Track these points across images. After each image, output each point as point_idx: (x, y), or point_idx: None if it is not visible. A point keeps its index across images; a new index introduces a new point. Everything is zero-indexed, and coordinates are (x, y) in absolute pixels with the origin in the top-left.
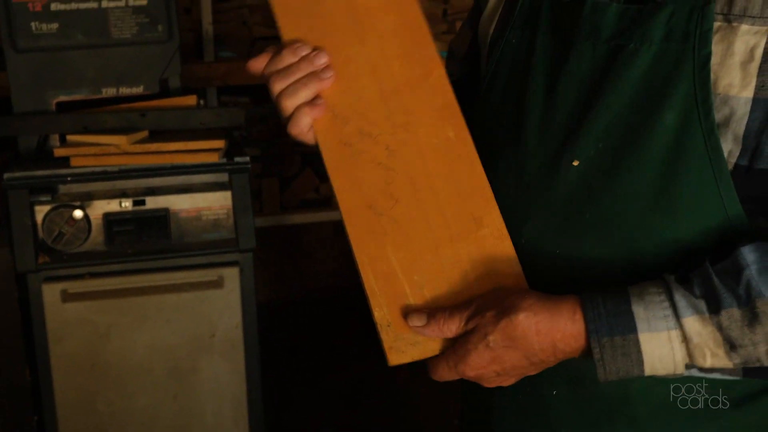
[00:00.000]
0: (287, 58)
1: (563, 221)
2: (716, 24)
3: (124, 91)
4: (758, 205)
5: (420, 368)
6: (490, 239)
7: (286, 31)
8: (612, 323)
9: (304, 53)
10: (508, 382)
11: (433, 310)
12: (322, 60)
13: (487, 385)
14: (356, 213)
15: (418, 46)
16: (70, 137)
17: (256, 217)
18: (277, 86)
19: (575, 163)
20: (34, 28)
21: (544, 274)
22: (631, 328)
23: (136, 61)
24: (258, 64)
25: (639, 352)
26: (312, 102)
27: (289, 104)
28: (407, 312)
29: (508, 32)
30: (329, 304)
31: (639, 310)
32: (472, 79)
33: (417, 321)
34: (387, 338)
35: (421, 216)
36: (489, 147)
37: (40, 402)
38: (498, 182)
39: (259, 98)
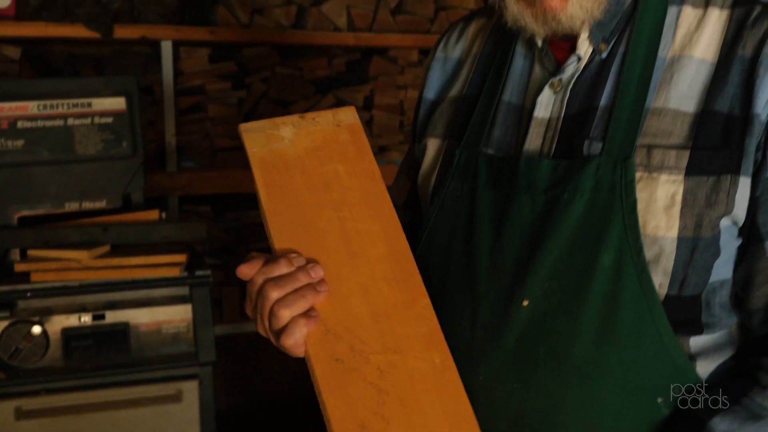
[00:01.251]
0: (283, 267)
1: (518, 358)
2: (638, 174)
3: (87, 205)
4: (687, 327)
5: None
6: None
7: (279, 242)
8: None
9: (299, 264)
10: None
11: None
12: (319, 272)
13: None
14: None
15: (404, 274)
16: (31, 252)
17: (216, 326)
18: (274, 294)
19: (525, 303)
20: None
21: (504, 407)
22: None
23: (99, 176)
24: (250, 270)
25: None
26: (307, 314)
27: (286, 314)
28: None
29: (447, 184)
30: (289, 412)
31: None
32: (413, 227)
33: None
34: None
35: None
36: (439, 293)
37: None
38: (453, 326)
39: (220, 208)
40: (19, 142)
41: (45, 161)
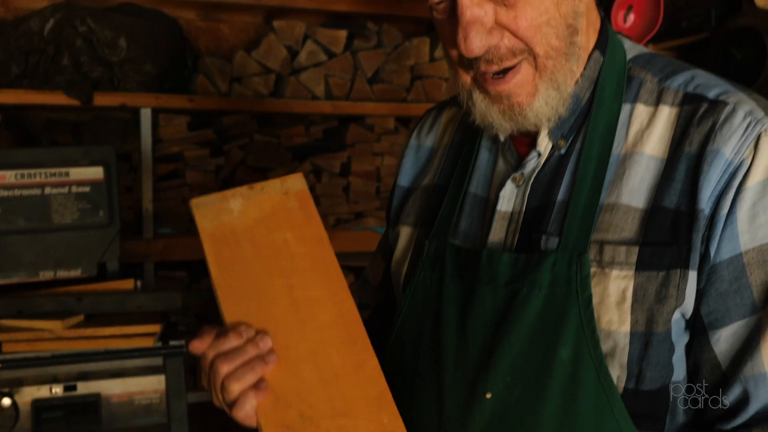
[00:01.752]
0: (233, 341)
1: None
2: (592, 269)
3: (62, 274)
4: (649, 421)
5: None
6: None
7: (230, 315)
8: None
9: (248, 336)
10: None
11: None
12: (267, 344)
13: None
14: None
15: (353, 338)
16: (3, 321)
17: (189, 392)
18: (224, 368)
19: (488, 396)
20: None
21: None
22: None
23: (75, 245)
24: (201, 345)
25: None
26: (256, 386)
27: (236, 387)
28: None
29: (418, 273)
30: None
31: None
32: (388, 307)
33: None
34: None
35: None
36: (410, 383)
37: None
38: (422, 416)
39: (196, 273)
40: None
41: (21, 230)
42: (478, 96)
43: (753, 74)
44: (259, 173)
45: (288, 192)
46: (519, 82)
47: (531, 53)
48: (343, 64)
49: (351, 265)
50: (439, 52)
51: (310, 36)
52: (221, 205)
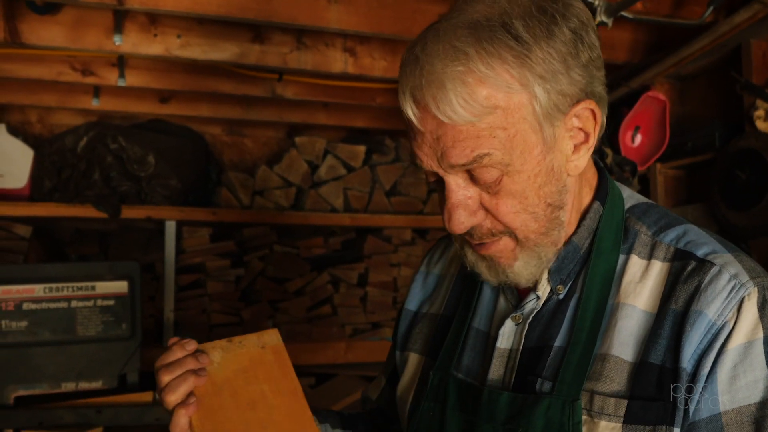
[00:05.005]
0: (177, 353)
1: None
2: (583, 417)
3: (83, 385)
4: None
5: None
6: None
7: None
8: None
9: (190, 350)
10: None
11: None
12: (205, 360)
13: None
14: None
15: None
16: None
17: None
18: (164, 378)
19: None
20: (3, 325)
21: None
22: None
23: (97, 357)
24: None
25: None
26: (185, 401)
27: (171, 399)
28: None
29: (422, 404)
30: None
31: None
32: (377, 412)
33: None
34: None
35: None
36: None
37: None
38: None
39: None
40: (23, 323)
41: (46, 342)
42: (468, 249)
43: (757, 195)
44: (277, 283)
45: (265, 346)
46: (498, 250)
47: (512, 234)
48: (361, 178)
49: (368, 375)
50: None
51: (330, 151)
52: None
